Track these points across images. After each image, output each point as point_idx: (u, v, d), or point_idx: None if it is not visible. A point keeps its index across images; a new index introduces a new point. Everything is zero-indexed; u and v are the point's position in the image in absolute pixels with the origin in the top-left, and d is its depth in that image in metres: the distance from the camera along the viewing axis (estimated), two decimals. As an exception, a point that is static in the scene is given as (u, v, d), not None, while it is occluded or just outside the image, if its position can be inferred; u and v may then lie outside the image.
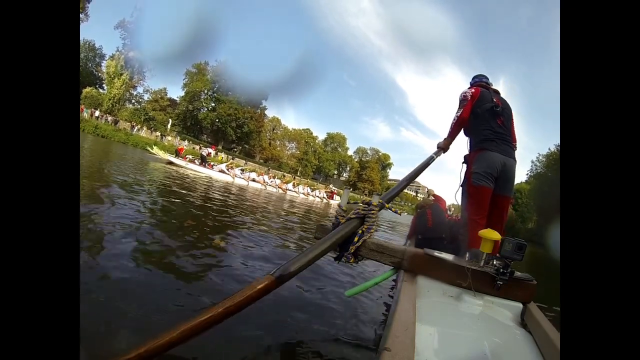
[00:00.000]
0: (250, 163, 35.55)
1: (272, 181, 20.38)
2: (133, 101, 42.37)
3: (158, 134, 35.17)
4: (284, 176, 26.25)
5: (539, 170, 40.69)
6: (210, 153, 19.51)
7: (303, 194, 22.84)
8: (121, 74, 37.16)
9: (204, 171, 16.18)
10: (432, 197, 4.32)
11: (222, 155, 32.75)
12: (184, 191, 6.69)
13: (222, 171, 16.98)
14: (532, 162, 42.23)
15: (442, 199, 4.20)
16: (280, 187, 20.30)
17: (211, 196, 7.21)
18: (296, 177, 40.45)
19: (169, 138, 34.93)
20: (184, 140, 36.02)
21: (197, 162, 17.35)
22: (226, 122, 45.34)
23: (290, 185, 22.25)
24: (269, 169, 28.53)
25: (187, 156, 18.33)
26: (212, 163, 18.20)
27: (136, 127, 33.65)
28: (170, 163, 15.98)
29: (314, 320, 1.75)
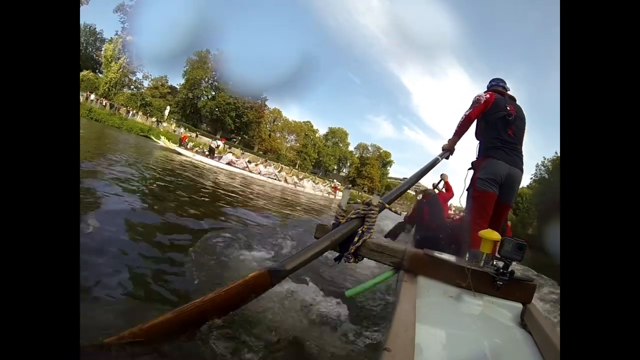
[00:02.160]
0: (248, 154, 35.34)
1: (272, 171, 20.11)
2: (132, 87, 41.92)
3: (154, 119, 34.80)
4: (282, 168, 26.01)
5: (543, 175, 40.29)
6: (220, 145, 19.24)
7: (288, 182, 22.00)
8: (118, 58, 36.75)
9: (212, 163, 16.20)
10: (442, 183, 4.29)
11: (218, 142, 32.53)
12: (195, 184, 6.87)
13: (229, 163, 16.92)
14: (537, 165, 41.84)
15: (451, 189, 4.19)
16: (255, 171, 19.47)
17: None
18: (293, 169, 40.10)
19: (165, 124, 34.50)
20: (179, 127, 35.65)
21: (201, 152, 17.37)
22: (225, 111, 44.94)
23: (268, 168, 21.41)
24: (266, 160, 28.34)
25: (189, 144, 18.36)
26: (217, 154, 18.04)
27: (131, 112, 33.31)
28: (178, 153, 16.01)
29: (313, 321, 1.77)
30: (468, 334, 1.42)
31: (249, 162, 18.84)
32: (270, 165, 20.83)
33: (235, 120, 46.32)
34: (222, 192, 7.28)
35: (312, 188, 22.54)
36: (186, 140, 19.70)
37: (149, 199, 4.36)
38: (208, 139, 34.43)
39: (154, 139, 19.92)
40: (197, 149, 18.52)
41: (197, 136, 32.99)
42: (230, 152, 20.08)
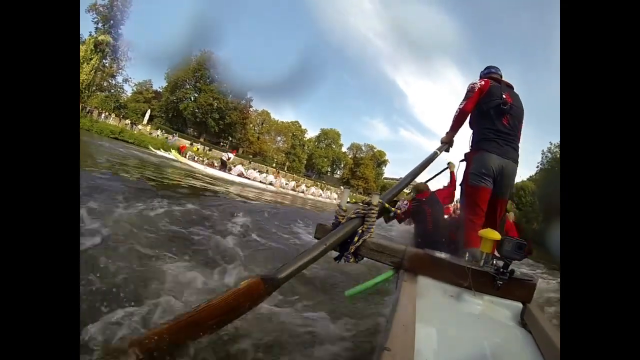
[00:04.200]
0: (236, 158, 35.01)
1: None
2: (112, 91, 40.90)
3: (127, 121, 34.27)
4: (267, 170, 26.11)
5: (550, 163, 38.15)
6: (231, 157, 18.88)
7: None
8: (91, 59, 35.86)
9: (226, 176, 16.14)
10: (450, 170, 3.85)
11: (197, 146, 31.88)
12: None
13: (240, 174, 16.92)
14: (543, 152, 40.38)
15: (455, 182, 3.75)
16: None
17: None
18: (281, 171, 39.82)
19: (140, 127, 34.13)
20: (156, 130, 35.29)
21: (212, 165, 17.30)
22: (207, 113, 44.24)
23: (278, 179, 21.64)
24: (250, 162, 28.21)
25: (188, 153, 18.40)
26: (229, 166, 17.92)
27: (104, 114, 32.74)
28: (190, 167, 15.94)
29: (313, 321, 1.79)
30: (468, 334, 1.45)
31: (259, 172, 19.18)
32: (279, 176, 21.18)
33: (219, 122, 45.61)
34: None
35: (319, 195, 22.93)
36: (185, 150, 19.30)
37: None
38: (187, 141, 34.32)
39: (151, 148, 19.49)
40: (207, 160, 18.42)
41: (173, 137, 32.86)
42: (240, 164, 19.81)
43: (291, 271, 1.51)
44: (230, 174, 16.68)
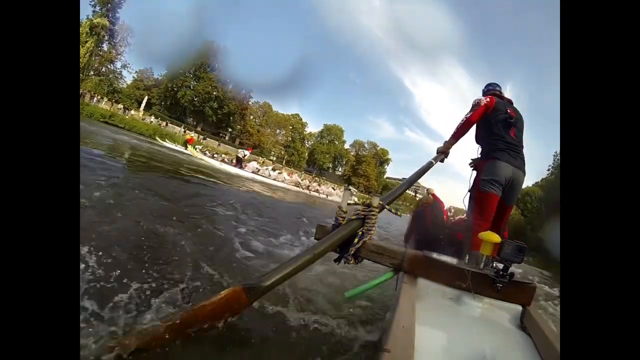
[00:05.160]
0: (226, 146, 34.82)
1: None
2: (110, 76, 40.48)
3: (120, 106, 34.24)
4: (263, 163, 26.24)
5: (556, 171, 37.79)
6: (246, 155, 18.74)
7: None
8: (86, 42, 35.59)
9: (242, 173, 16.23)
10: (431, 196, 4.29)
11: (190, 134, 31.76)
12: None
13: (254, 172, 17.09)
14: (555, 154, 39.72)
15: (441, 200, 4.21)
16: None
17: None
18: (277, 164, 39.48)
19: (132, 112, 34.07)
20: (151, 117, 35.43)
21: (226, 161, 17.45)
22: (204, 101, 43.84)
23: (292, 176, 22.07)
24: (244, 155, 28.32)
25: (196, 147, 18.46)
26: (245, 163, 18.00)
27: (96, 98, 32.77)
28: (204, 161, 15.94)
29: (313, 322, 1.80)
30: (467, 336, 1.46)
31: (273, 169, 19.32)
32: (293, 174, 21.65)
33: (217, 112, 45.09)
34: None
35: (333, 194, 23.05)
36: (193, 142, 19.20)
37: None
38: (180, 128, 34.55)
39: (159, 140, 19.46)
40: (224, 157, 18.64)
41: (166, 125, 32.94)
42: (255, 161, 19.90)
43: (279, 278, 1.51)
44: (245, 170, 16.86)
